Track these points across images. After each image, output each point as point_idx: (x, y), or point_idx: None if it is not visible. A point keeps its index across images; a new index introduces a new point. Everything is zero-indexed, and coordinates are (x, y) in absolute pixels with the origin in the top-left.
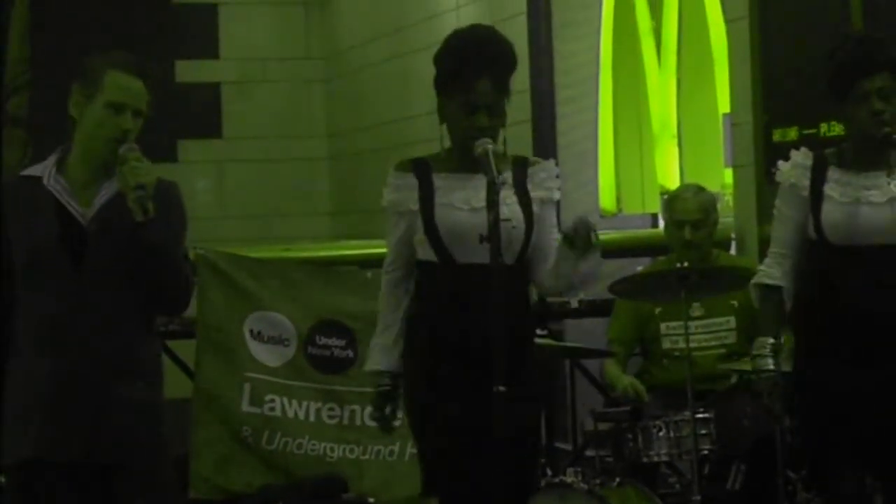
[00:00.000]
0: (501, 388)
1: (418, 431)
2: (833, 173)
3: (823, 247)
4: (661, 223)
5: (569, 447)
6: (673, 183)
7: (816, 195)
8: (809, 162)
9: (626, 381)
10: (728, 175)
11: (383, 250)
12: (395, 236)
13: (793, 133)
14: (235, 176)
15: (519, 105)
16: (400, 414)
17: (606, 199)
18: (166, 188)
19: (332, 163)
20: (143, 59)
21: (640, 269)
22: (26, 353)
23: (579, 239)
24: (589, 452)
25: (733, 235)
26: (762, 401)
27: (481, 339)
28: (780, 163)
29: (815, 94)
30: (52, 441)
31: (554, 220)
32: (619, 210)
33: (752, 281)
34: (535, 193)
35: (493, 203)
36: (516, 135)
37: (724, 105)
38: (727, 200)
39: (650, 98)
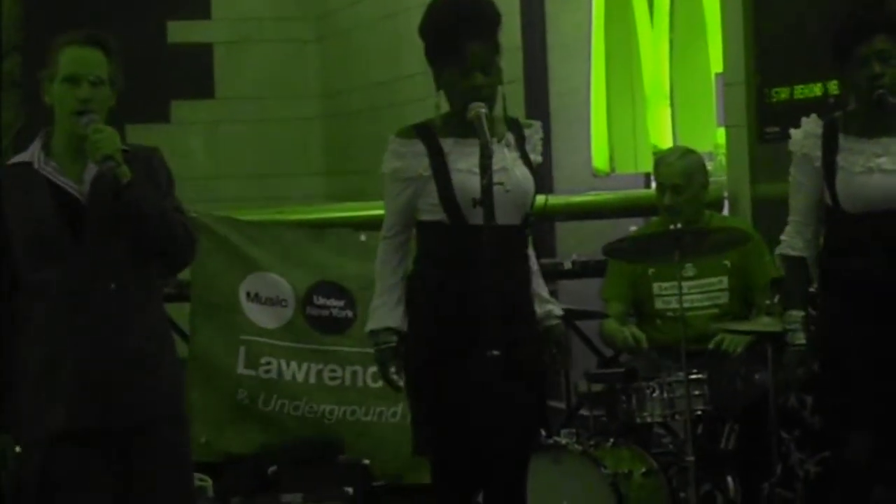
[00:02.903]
0: (495, 353)
1: (415, 390)
2: (844, 141)
3: (840, 214)
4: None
5: (562, 406)
6: (665, 142)
7: (829, 165)
8: (820, 130)
9: (626, 331)
10: (720, 135)
11: (376, 212)
12: (399, 202)
13: (785, 93)
14: (228, 136)
15: (511, 64)
16: None
17: (599, 159)
18: (148, 155)
19: (325, 122)
20: (97, 31)
21: (633, 228)
22: (38, 333)
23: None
24: (582, 412)
25: (726, 195)
26: (788, 373)
27: (485, 295)
28: (792, 131)
29: (807, 53)
30: (79, 411)
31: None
32: (612, 169)
33: (776, 251)
34: (532, 157)
35: (485, 167)
36: (508, 94)
37: (716, 65)
38: (720, 160)
39: (642, 58)
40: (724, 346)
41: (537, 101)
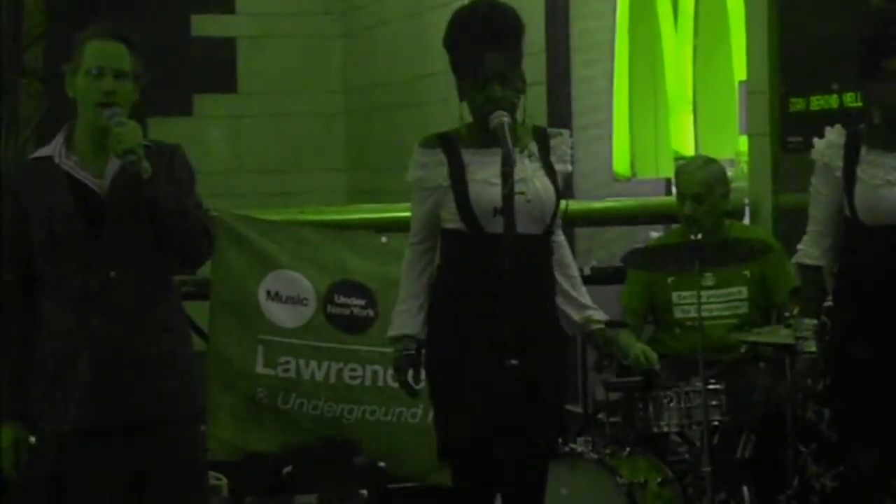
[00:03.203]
0: (514, 362)
1: (438, 395)
2: (866, 153)
3: (858, 226)
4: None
5: (579, 410)
6: (687, 149)
7: (849, 176)
8: (843, 140)
9: (638, 348)
10: (742, 142)
11: (397, 214)
12: (422, 210)
13: (809, 103)
14: (250, 130)
15: (534, 67)
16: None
17: (620, 163)
18: (170, 151)
19: (346, 119)
20: (122, 24)
21: (653, 234)
22: (55, 328)
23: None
24: (599, 417)
25: (746, 201)
26: (798, 381)
27: (505, 304)
28: (816, 140)
29: (832, 63)
30: (92, 407)
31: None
32: (633, 174)
33: (793, 260)
34: (557, 167)
35: (507, 175)
36: (531, 97)
37: (739, 72)
38: (741, 167)
39: (666, 63)
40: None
41: (560, 104)
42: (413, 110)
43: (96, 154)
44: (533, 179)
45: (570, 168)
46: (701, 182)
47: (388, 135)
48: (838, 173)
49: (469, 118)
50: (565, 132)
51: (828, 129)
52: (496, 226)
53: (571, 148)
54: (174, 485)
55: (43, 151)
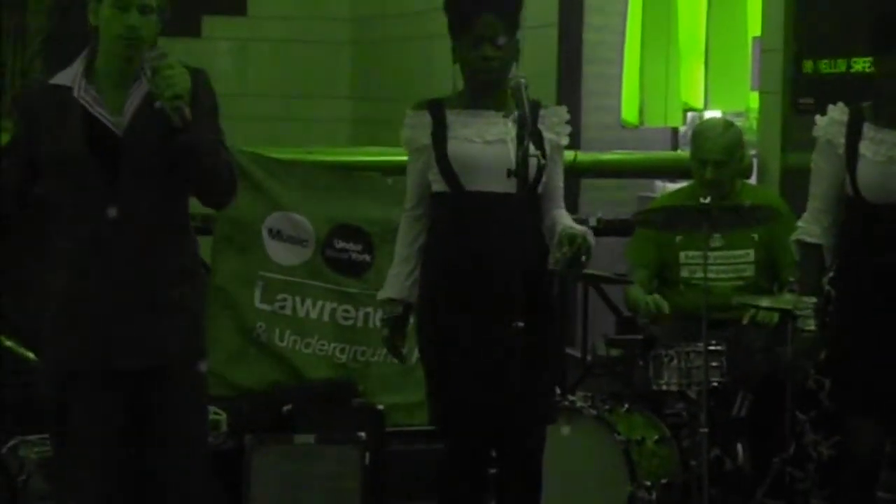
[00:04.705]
0: (520, 324)
1: (428, 360)
2: (868, 130)
3: (860, 204)
4: (681, 139)
5: (577, 354)
6: (697, 100)
7: (851, 153)
8: (845, 118)
9: (647, 297)
10: (753, 98)
11: (404, 158)
12: (413, 173)
13: (823, 66)
14: (257, 55)
15: (546, 8)
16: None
17: (629, 111)
18: (195, 76)
19: (354, 47)
20: None
21: (658, 184)
22: (66, 267)
23: (570, 251)
24: (596, 371)
25: (754, 154)
26: (797, 358)
27: (492, 265)
28: (817, 117)
29: (848, 28)
30: (96, 348)
31: (561, 165)
32: (641, 122)
33: (792, 237)
34: (546, 135)
35: (521, 138)
36: (543, 38)
37: (753, 28)
38: (751, 123)
39: (679, 14)
40: (759, 319)
41: (570, 47)
42: (421, 43)
43: (116, 88)
44: (510, 143)
45: (563, 141)
46: (723, 149)
47: (395, 65)
48: (840, 150)
49: (461, 86)
50: (561, 108)
51: (830, 107)
52: (476, 184)
53: (567, 122)
54: (176, 425)
55: (62, 79)
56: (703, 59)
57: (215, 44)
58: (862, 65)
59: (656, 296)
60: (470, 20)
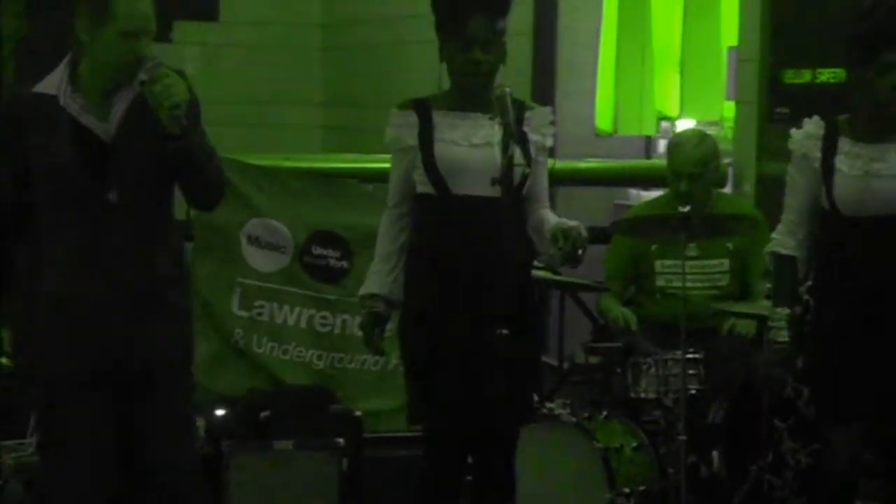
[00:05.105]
0: (504, 332)
1: (410, 362)
2: (844, 144)
3: (836, 217)
4: (656, 147)
5: (554, 362)
6: (671, 109)
7: (828, 167)
8: (821, 132)
9: (617, 310)
10: (728, 107)
11: (383, 165)
12: (398, 173)
13: (799, 76)
14: (229, 60)
15: (520, 16)
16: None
17: (603, 119)
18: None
19: (326, 54)
20: None
21: (632, 192)
22: (57, 273)
23: (566, 246)
24: (574, 379)
25: (729, 162)
26: (770, 370)
27: (476, 269)
28: (793, 131)
29: (824, 39)
30: (88, 354)
31: (546, 167)
32: (616, 130)
33: (767, 249)
34: (531, 137)
35: (506, 146)
36: (517, 46)
37: (727, 37)
38: (726, 132)
39: (654, 22)
40: (737, 329)
41: (545, 54)
42: (393, 49)
43: (101, 96)
44: (497, 146)
45: (548, 142)
46: (697, 161)
47: (367, 71)
48: (816, 164)
49: (448, 85)
50: (545, 109)
51: (805, 121)
52: (462, 187)
53: (552, 123)
54: (165, 433)
55: (46, 87)
56: (677, 68)
57: (186, 49)
58: (837, 75)
59: (627, 311)
60: (461, 22)
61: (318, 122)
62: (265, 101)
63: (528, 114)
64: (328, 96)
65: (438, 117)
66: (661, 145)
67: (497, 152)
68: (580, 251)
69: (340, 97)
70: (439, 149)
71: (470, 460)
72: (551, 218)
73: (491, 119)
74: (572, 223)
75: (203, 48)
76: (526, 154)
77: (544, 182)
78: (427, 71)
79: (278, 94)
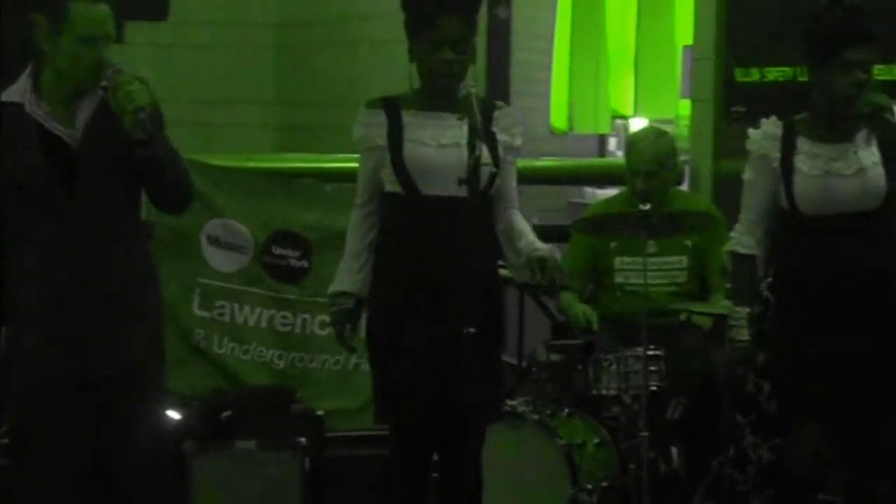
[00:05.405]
0: (471, 330)
1: (377, 360)
2: (803, 144)
3: (796, 216)
4: (609, 145)
5: (513, 361)
6: (626, 108)
7: (787, 167)
8: (779, 132)
9: (578, 308)
10: (684, 106)
11: (343, 165)
12: (366, 172)
13: (755, 74)
14: (181, 60)
15: None
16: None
17: (558, 117)
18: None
19: (278, 53)
20: None
21: (588, 190)
22: (27, 278)
23: (544, 280)
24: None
25: (685, 160)
26: (731, 369)
27: (444, 269)
28: (750, 131)
29: (779, 37)
30: (61, 360)
31: (514, 167)
32: (570, 129)
33: (726, 248)
34: (500, 137)
35: (472, 146)
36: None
37: (681, 36)
38: (682, 130)
39: (608, 23)
40: (693, 321)
41: (499, 53)
42: (345, 48)
43: (65, 102)
44: (465, 145)
45: (516, 142)
46: (653, 159)
47: (318, 71)
48: (775, 164)
49: (418, 84)
50: (513, 109)
51: (763, 121)
52: (431, 187)
53: (520, 123)
54: (137, 436)
55: (9, 96)
56: (632, 67)
57: (139, 49)
58: (785, 73)
59: (587, 309)
60: (432, 22)
61: (270, 122)
62: (217, 100)
63: (496, 113)
64: (280, 96)
65: (408, 117)
66: (613, 143)
67: (465, 152)
68: (557, 281)
69: (292, 97)
70: (409, 149)
71: (436, 458)
72: (524, 232)
73: (459, 119)
74: (545, 250)
75: (155, 49)
76: (494, 154)
77: (513, 182)
78: (378, 71)
79: (230, 94)
